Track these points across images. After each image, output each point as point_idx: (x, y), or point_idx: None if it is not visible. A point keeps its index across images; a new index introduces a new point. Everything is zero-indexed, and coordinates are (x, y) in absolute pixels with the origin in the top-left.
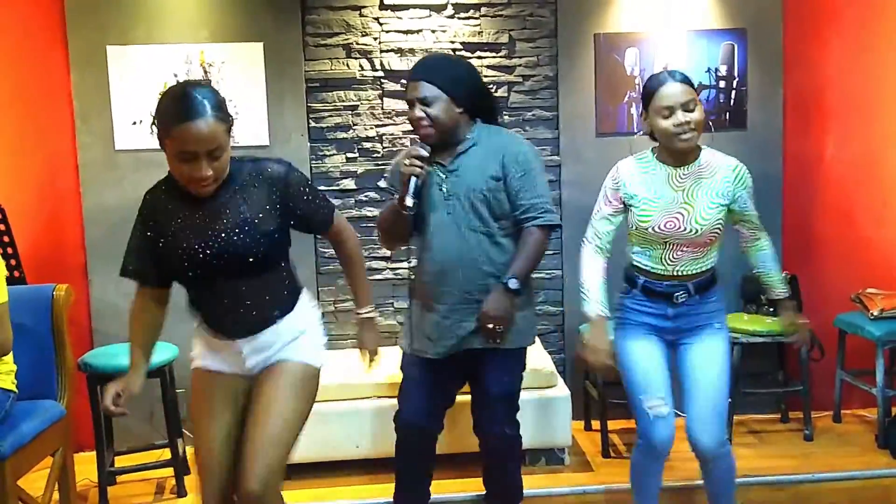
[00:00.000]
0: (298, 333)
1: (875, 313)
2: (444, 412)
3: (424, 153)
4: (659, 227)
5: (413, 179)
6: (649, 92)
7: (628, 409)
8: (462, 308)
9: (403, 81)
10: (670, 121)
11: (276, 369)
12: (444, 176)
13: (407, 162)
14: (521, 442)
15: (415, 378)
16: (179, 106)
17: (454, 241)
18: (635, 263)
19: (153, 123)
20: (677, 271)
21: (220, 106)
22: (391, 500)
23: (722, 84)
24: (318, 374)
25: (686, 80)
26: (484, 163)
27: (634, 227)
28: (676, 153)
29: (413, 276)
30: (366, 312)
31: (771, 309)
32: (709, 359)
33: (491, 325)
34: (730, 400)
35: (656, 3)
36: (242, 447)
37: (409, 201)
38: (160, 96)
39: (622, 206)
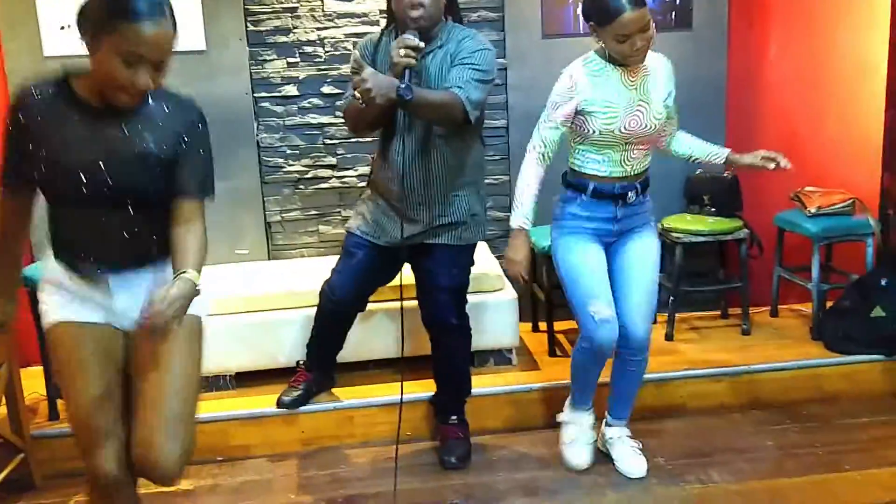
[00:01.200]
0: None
1: (812, 210)
2: (370, 294)
3: (419, 43)
4: (624, 128)
5: (407, 71)
6: (605, 15)
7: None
8: (421, 204)
9: None
10: (626, 45)
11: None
12: (411, 72)
13: (402, 52)
14: (470, 334)
15: (357, 259)
16: (137, 0)
17: (414, 143)
18: (587, 170)
19: (84, 14)
20: (632, 170)
21: (172, 11)
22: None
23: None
24: (201, 322)
25: (642, 2)
26: (444, 65)
27: (596, 133)
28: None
29: (373, 169)
30: (192, 276)
31: (713, 209)
32: (644, 257)
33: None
34: (672, 298)
35: None
36: (136, 421)
37: (401, 87)
38: None
39: (572, 116)
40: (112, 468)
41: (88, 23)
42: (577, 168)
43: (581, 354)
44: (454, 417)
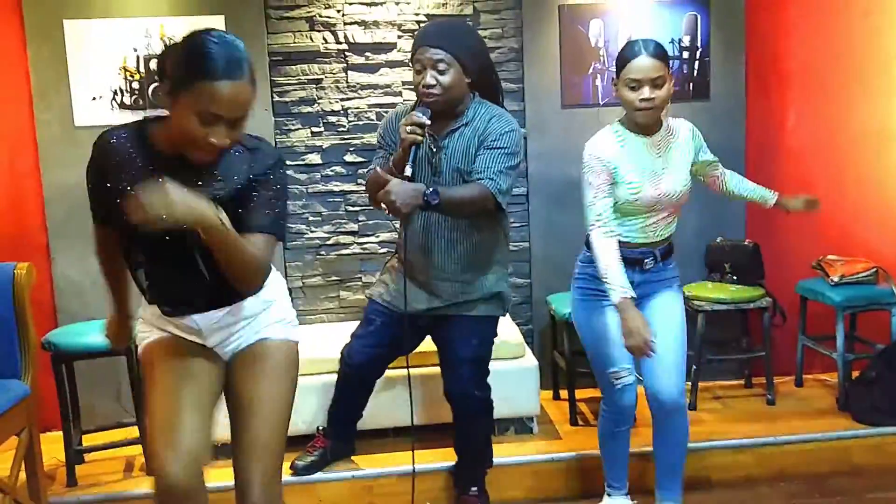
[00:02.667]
0: (264, 309)
1: (835, 279)
2: (389, 363)
3: (425, 120)
4: (650, 197)
5: (413, 148)
6: (622, 61)
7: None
8: (444, 278)
9: (369, 54)
10: (636, 94)
11: (253, 355)
12: (433, 149)
13: (408, 129)
14: (492, 406)
15: (376, 326)
16: (212, 59)
17: (438, 218)
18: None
19: (163, 67)
20: (654, 237)
21: (252, 69)
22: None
23: (685, 55)
24: (297, 350)
25: (660, 55)
26: (470, 144)
27: (621, 201)
28: (645, 124)
29: (397, 244)
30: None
31: (734, 277)
32: (667, 315)
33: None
34: (694, 367)
35: None
36: (239, 450)
37: (408, 170)
38: (181, 41)
39: (612, 182)
40: (175, 471)
41: (166, 76)
42: None
43: (605, 422)
44: (474, 489)
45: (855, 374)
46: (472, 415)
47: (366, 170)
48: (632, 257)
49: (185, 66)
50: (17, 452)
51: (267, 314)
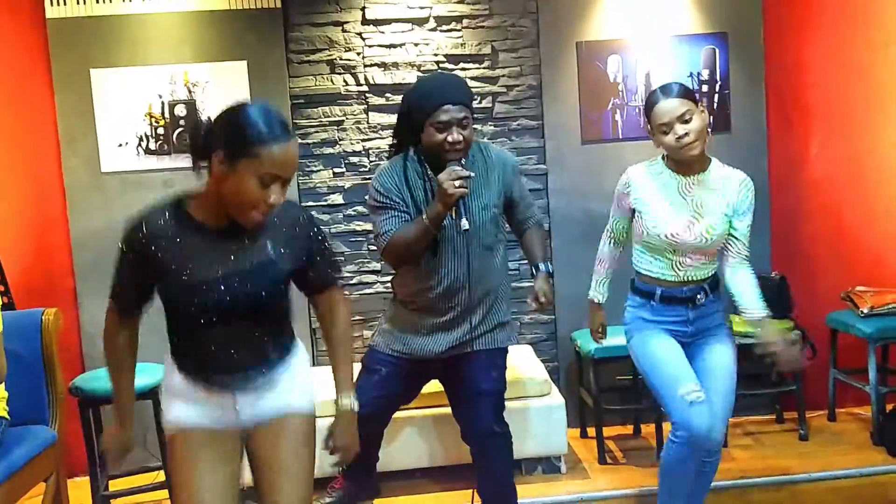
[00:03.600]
0: (290, 376)
1: (865, 311)
2: (395, 411)
3: (468, 173)
4: (668, 235)
5: (462, 201)
6: (648, 111)
7: (624, 414)
8: (464, 317)
9: (389, 95)
10: (670, 136)
11: (281, 426)
12: (462, 206)
13: (457, 184)
14: (512, 442)
15: (379, 376)
16: (274, 125)
17: (466, 259)
18: (645, 272)
19: (209, 142)
20: (687, 277)
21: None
22: None
23: (705, 88)
24: (315, 420)
25: (681, 93)
26: (490, 180)
27: (644, 234)
28: (685, 163)
29: (405, 293)
30: (349, 403)
31: None
32: (721, 362)
33: (545, 303)
34: None
35: (637, 9)
36: None
37: (465, 224)
38: (226, 113)
39: (630, 211)
40: None
41: (221, 147)
42: (639, 270)
43: (674, 448)
44: None
45: (889, 406)
46: (496, 452)
47: (379, 233)
48: (683, 296)
49: (244, 134)
50: (44, 498)
51: (294, 381)
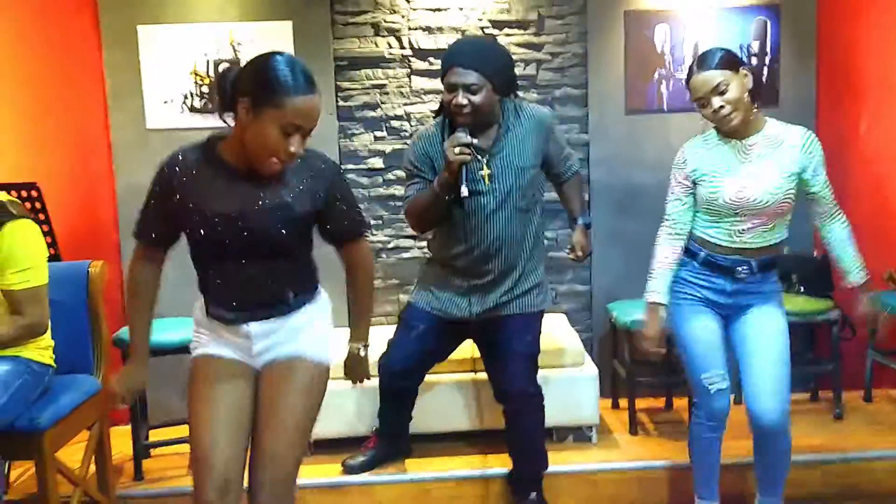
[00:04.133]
0: (307, 325)
1: None
2: (429, 369)
3: (470, 140)
4: (729, 199)
5: (464, 167)
6: (687, 86)
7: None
8: (500, 280)
9: (432, 60)
10: (708, 110)
11: (287, 368)
12: (484, 160)
13: (456, 151)
14: (544, 404)
15: (417, 333)
16: (299, 77)
17: (501, 223)
18: (700, 235)
19: (237, 89)
20: (745, 243)
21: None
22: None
23: (754, 61)
24: (328, 372)
25: (717, 63)
26: (525, 141)
27: (704, 200)
28: (733, 131)
29: (444, 255)
30: (361, 349)
31: (801, 288)
32: (766, 330)
33: (581, 255)
34: None
35: None
36: (254, 454)
37: (464, 190)
38: (255, 62)
39: (692, 184)
40: (213, 499)
41: (247, 95)
42: (696, 232)
43: (696, 427)
44: (534, 494)
45: None
46: (528, 412)
47: (404, 198)
48: (724, 265)
49: (269, 84)
50: (87, 446)
51: (310, 330)
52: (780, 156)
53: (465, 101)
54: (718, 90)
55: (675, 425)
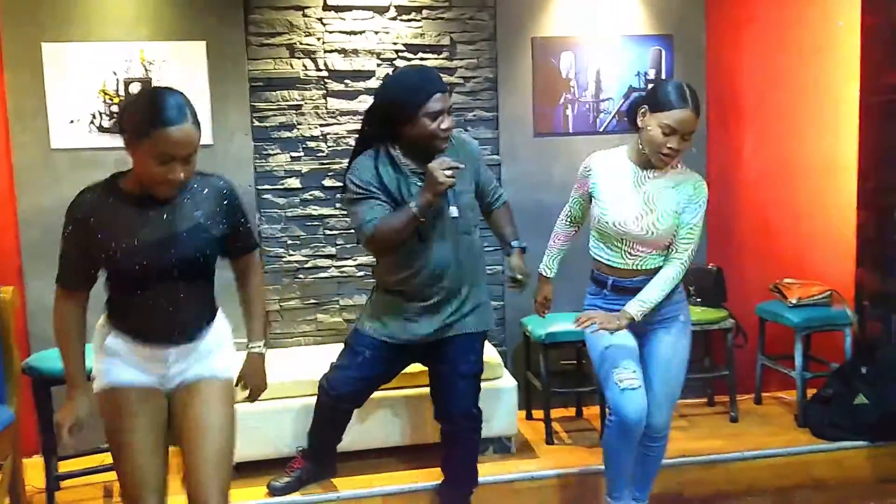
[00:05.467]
0: (216, 346)
1: (793, 301)
2: (371, 393)
3: (458, 164)
4: (616, 223)
5: (450, 190)
6: (663, 103)
7: (569, 398)
8: (446, 301)
9: (348, 81)
10: (665, 140)
11: (204, 389)
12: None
13: (448, 173)
14: (482, 425)
15: (364, 358)
16: (162, 110)
17: (445, 246)
18: (598, 258)
19: (121, 125)
20: (638, 266)
21: (195, 113)
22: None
23: (650, 87)
24: (233, 387)
25: (698, 109)
26: (466, 167)
27: (596, 220)
28: (649, 162)
29: (391, 280)
30: (258, 347)
31: (698, 299)
32: (672, 350)
33: (522, 279)
34: None
35: (589, 9)
36: (190, 473)
37: (454, 211)
38: (132, 98)
39: (588, 195)
40: None
41: (125, 130)
42: (594, 257)
43: (610, 432)
44: None
45: (811, 391)
46: (469, 432)
47: (364, 222)
48: (631, 286)
49: (140, 118)
50: (1, 481)
51: (219, 352)
52: (672, 196)
53: (452, 124)
54: (686, 136)
55: (587, 433)
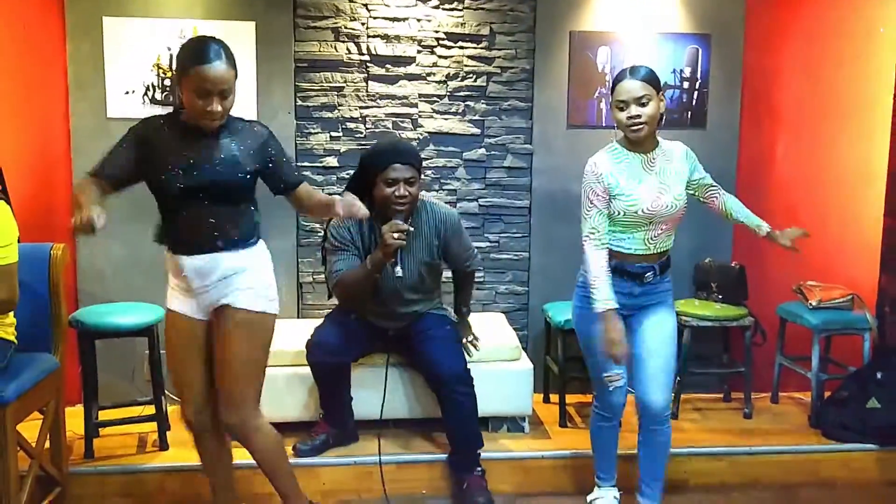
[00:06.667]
0: (240, 269)
1: (813, 304)
2: (356, 350)
3: (407, 227)
4: (647, 208)
5: (399, 251)
6: (613, 86)
7: (585, 383)
8: (408, 318)
9: (389, 66)
10: (624, 113)
11: (223, 321)
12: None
13: (396, 235)
14: (474, 385)
15: (342, 320)
16: (201, 50)
17: (400, 299)
18: (616, 249)
19: (175, 67)
20: (655, 249)
21: (231, 56)
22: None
23: (685, 85)
24: (268, 318)
25: (646, 77)
26: (428, 237)
27: (621, 213)
28: (638, 142)
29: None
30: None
31: (719, 296)
32: (661, 331)
33: (471, 340)
34: (678, 379)
35: (628, 5)
36: (217, 389)
37: (399, 271)
38: (182, 44)
39: (608, 197)
40: (193, 417)
41: (176, 72)
42: (611, 247)
43: (595, 418)
44: (479, 469)
45: (827, 393)
46: (463, 391)
47: (332, 272)
48: (634, 272)
49: (184, 59)
50: (44, 422)
51: (238, 279)
52: (676, 166)
53: (406, 193)
54: (641, 101)
55: None
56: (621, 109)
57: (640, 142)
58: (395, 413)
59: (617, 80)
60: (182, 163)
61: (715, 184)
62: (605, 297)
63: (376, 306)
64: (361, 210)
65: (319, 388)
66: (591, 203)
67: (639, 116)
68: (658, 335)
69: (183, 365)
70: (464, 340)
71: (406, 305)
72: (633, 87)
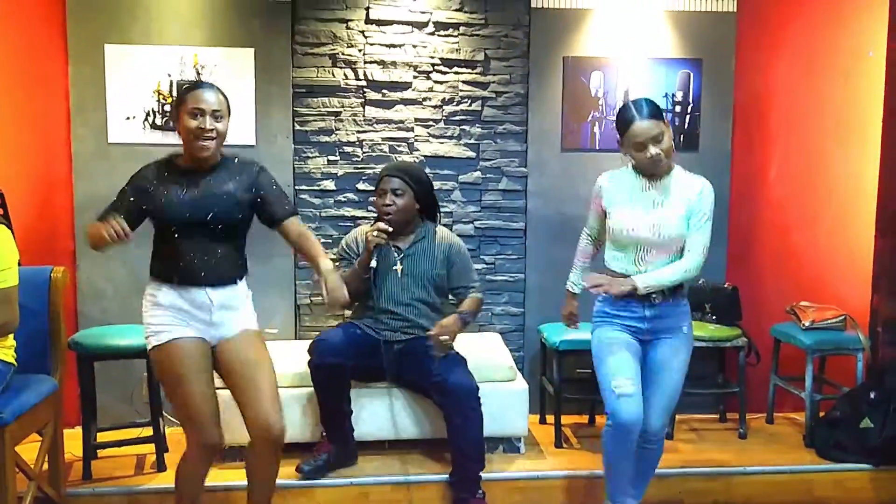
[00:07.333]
0: (246, 301)
1: (807, 324)
2: (355, 357)
3: (389, 228)
4: (631, 230)
5: (375, 248)
6: (623, 125)
7: (581, 404)
8: (407, 331)
9: (385, 91)
10: (643, 154)
11: (245, 338)
12: (398, 256)
13: (375, 233)
14: (480, 402)
15: (346, 326)
16: (195, 83)
17: (404, 309)
18: (611, 268)
19: (173, 106)
20: (648, 272)
21: (224, 94)
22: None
23: (678, 109)
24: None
25: (654, 113)
26: (435, 254)
27: (611, 230)
28: (652, 174)
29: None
30: (328, 264)
31: (713, 317)
32: (673, 359)
33: (438, 335)
34: None
35: (621, 30)
36: (250, 403)
37: (373, 263)
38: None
39: (602, 211)
40: (217, 437)
41: (174, 107)
42: (609, 266)
43: (607, 436)
44: (480, 492)
45: (822, 413)
46: (474, 406)
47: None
48: (640, 294)
49: (178, 94)
50: (42, 443)
51: (246, 308)
52: (679, 200)
53: (391, 202)
54: (657, 139)
55: (597, 439)
56: (639, 151)
57: (657, 174)
58: (391, 434)
59: (626, 121)
60: (182, 198)
61: (695, 247)
62: (572, 279)
63: (381, 304)
64: (343, 298)
65: (319, 396)
66: (591, 208)
67: (659, 154)
68: (665, 366)
69: (194, 390)
70: (433, 333)
71: (410, 309)
72: (647, 127)
